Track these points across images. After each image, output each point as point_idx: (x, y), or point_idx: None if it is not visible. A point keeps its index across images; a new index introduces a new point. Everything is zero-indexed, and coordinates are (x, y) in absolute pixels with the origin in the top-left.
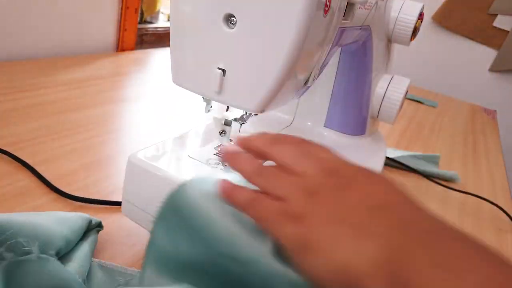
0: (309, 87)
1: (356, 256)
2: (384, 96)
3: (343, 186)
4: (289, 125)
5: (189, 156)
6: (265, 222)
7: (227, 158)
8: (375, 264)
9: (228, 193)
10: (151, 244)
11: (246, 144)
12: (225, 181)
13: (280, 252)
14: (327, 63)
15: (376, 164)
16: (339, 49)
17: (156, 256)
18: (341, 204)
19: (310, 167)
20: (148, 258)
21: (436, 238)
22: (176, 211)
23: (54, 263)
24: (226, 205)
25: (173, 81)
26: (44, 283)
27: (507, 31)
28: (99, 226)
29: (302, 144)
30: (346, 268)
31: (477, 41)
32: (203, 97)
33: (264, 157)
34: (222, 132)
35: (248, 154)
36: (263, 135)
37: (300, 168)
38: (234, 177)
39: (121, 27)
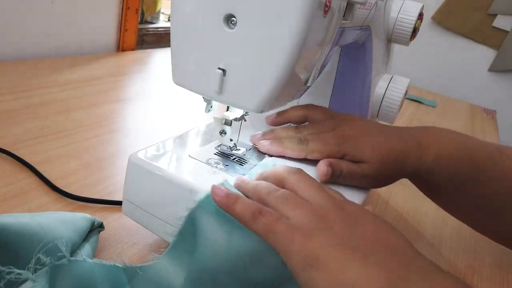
0: (309, 87)
1: (364, 280)
2: (384, 96)
3: (351, 219)
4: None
5: (189, 156)
6: (273, 236)
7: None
8: None
9: (226, 203)
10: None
11: (264, 174)
12: (219, 189)
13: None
14: (327, 63)
15: None
16: (339, 49)
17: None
18: (350, 232)
19: (322, 199)
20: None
21: (435, 276)
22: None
23: (85, 263)
24: None
25: (173, 81)
26: (80, 285)
27: (507, 31)
28: (100, 226)
29: (317, 183)
30: None
31: (476, 41)
32: (203, 97)
33: (280, 182)
34: (222, 132)
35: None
36: (286, 167)
37: (313, 198)
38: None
39: (121, 28)
